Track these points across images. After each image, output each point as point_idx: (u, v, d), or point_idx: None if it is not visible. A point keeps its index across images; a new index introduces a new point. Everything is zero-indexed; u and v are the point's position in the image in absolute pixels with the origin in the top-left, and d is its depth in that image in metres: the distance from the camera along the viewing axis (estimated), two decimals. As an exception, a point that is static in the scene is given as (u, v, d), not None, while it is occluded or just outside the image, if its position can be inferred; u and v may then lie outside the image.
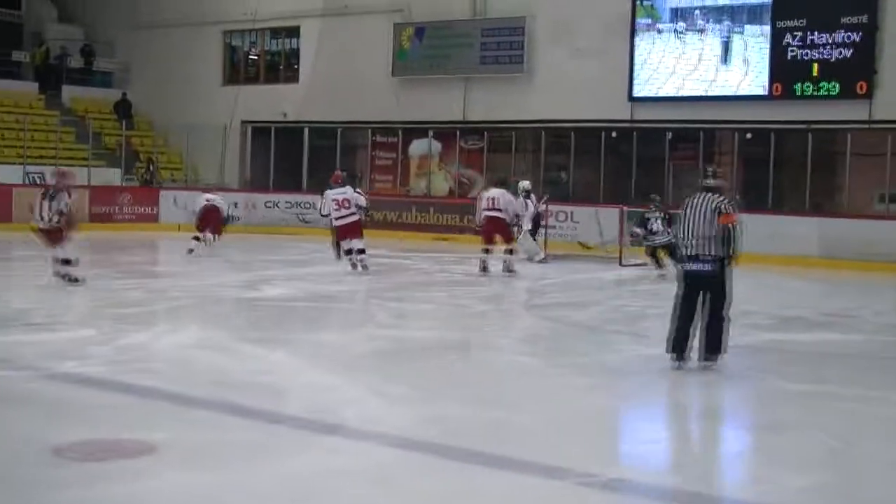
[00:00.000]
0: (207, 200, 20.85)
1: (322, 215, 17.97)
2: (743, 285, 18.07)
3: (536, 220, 20.74)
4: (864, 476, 6.67)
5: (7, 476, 5.80)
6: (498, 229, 17.91)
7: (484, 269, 17.67)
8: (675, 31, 24.56)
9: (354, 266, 17.10)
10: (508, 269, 17.72)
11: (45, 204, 14.34)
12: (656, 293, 16.48)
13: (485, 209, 18.01)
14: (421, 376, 9.10)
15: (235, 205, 23.63)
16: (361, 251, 17.14)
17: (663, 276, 17.98)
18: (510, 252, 17.91)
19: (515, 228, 18.69)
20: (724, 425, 8.13)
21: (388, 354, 10.19)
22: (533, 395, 8.55)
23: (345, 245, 17.36)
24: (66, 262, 14.34)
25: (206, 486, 5.76)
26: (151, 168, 29.31)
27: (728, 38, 23.88)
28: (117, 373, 8.64)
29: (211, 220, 20.48)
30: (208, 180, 29.31)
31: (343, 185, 17.59)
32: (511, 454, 6.57)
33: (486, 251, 17.93)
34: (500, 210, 17.78)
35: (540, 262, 19.94)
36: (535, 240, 20.48)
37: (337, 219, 17.21)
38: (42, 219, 14.34)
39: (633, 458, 7.02)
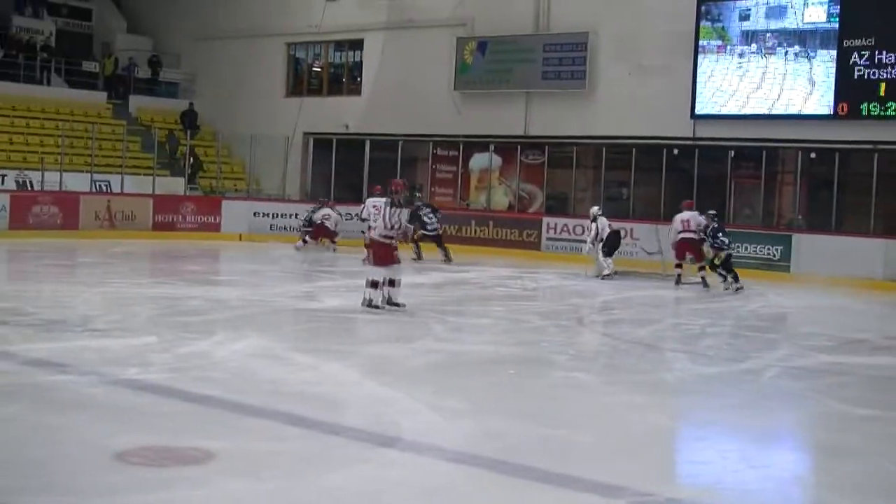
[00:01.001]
0: (325, 217, 24.38)
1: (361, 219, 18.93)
2: (805, 306, 18.07)
3: (615, 240, 21.00)
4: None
5: (68, 480, 5.89)
6: (690, 249, 19.68)
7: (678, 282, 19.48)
8: (743, 54, 24.36)
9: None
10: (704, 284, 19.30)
11: (390, 213, 14.02)
12: (716, 311, 16.37)
13: (679, 231, 19.77)
14: (478, 391, 9.10)
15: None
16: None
17: (740, 287, 18.30)
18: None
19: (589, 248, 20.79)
20: (782, 447, 8.04)
21: (445, 368, 10.20)
22: (589, 413, 8.52)
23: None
24: (392, 282, 14.07)
25: (261, 495, 5.80)
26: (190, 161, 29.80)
27: (796, 60, 23.64)
28: (177, 380, 8.73)
29: (325, 232, 24.10)
30: (270, 191, 29.54)
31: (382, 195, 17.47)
32: (567, 471, 6.55)
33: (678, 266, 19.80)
34: (693, 231, 19.55)
35: (605, 278, 19.95)
36: (609, 258, 20.53)
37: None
38: (388, 226, 14.00)
39: (689, 478, 6.97)
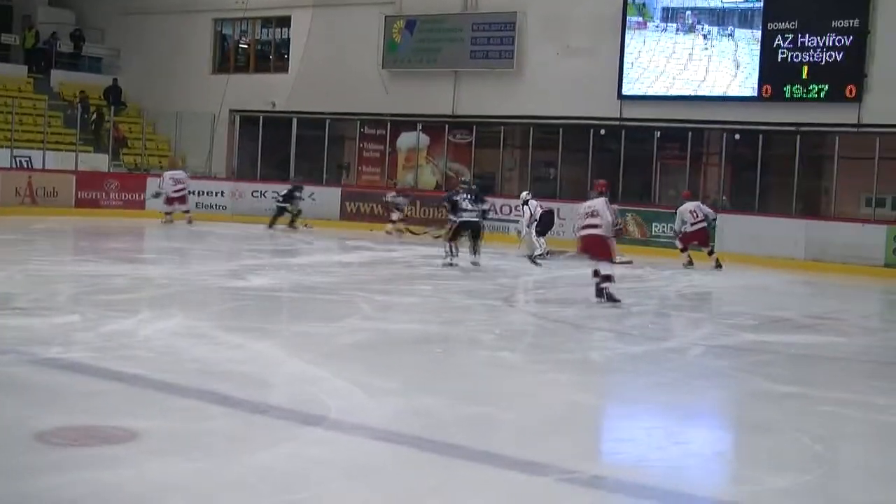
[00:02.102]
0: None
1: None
2: (728, 286, 18.31)
3: (548, 220, 21.15)
4: (844, 478, 6.69)
5: (-12, 460, 5.79)
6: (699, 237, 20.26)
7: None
8: (665, 30, 24.59)
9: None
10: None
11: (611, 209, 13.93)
12: (642, 291, 16.53)
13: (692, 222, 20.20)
14: (404, 369, 9.10)
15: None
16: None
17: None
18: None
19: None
20: (706, 425, 8.14)
21: (372, 347, 10.18)
22: (515, 391, 8.56)
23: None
24: (607, 278, 13.91)
25: (186, 474, 5.74)
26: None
27: (719, 39, 23.91)
28: (101, 359, 8.61)
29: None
30: (196, 168, 29.25)
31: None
32: (493, 449, 6.58)
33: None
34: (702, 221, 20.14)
35: (538, 258, 20.05)
36: (541, 238, 20.68)
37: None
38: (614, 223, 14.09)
39: (614, 456, 7.02)
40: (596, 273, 14.16)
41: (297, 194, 25.26)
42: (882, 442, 7.55)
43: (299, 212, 25.02)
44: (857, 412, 8.30)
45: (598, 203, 14.28)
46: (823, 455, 7.06)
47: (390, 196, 25.54)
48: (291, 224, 24.91)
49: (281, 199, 25.15)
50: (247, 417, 7.08)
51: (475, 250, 18.33)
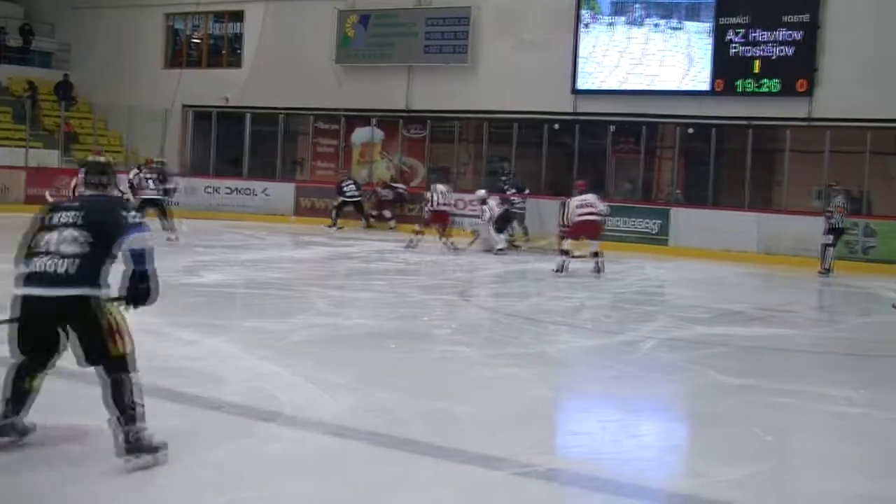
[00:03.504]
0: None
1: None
2: (682, 279, 18.41)
3: (506, 216, 21.42)
4: (795, 469, 6.76)
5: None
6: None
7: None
8: (613, 24, 24.67)
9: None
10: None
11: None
12: (595, 285, 16.59)
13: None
14: (359, 365, 9.06)
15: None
16: None
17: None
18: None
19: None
20: (660, 418, 8.17)
21: (326, 343, 10.14)
22: (470, 385, 8.55)
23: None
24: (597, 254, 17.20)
25: (139, 473, 5.67)
26: None
27: (672, 33, 24.04)
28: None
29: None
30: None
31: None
32: (449, 444, 6.56)
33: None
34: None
35: (498, 252, 20.16)
36: (500, 234, 20.87)
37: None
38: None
39: (570, 449, 7.04)
40: (595, 254, 17.44)
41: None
42: (833, 432, 7.61)
43: None
44: (809, 403, 8.37)
45: (591, 197, 17.88)
46: (776, 446, 7.11)
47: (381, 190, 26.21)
48: None
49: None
50: (200, 414, 7.02)
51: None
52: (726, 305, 14.87)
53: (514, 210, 22.13)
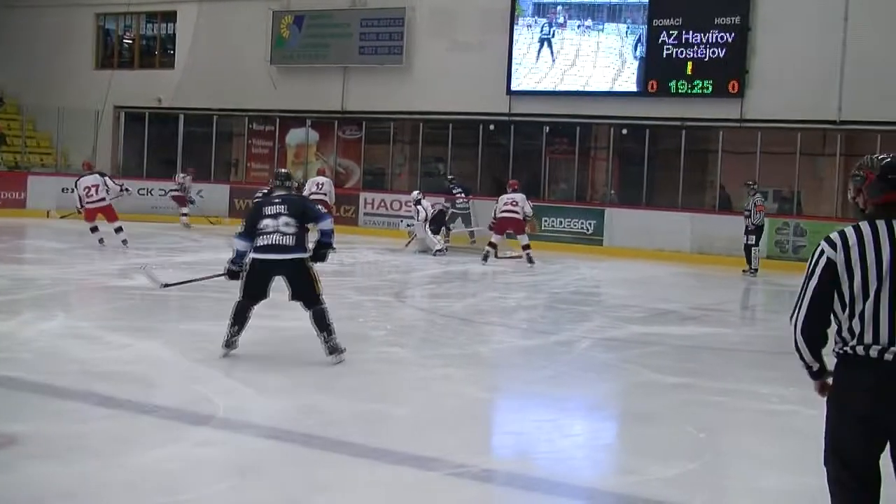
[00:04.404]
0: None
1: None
2: (617, 279, 18.55)
3: (440, 218, 21.75)
4: (727, 466, 6.82)
5: None
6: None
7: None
8: (531, 27, 24.78)
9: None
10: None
11: None
12: (531, 285, 16.65)
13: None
14: (294, 367, 9.02)
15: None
16: None
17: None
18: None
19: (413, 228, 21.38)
20: (594, 417, 8.21)
21: (261, 345, 10.06)
22: (405, 386, 8.55)
23: None
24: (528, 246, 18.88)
25: (67, 478, 5.60)
26: None
27: (604, 35, 24.19)
28: (-21, 362, 8.37)
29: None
30: (78, 166, 28.59)
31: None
32: (383, 445, 6.55)
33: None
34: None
35: (436, 254, 20.20)
36: (437, 235, 20.97)
37: None
38: None
39: (504, 449, 7.06)
40: (526, 247, 19.35)
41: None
42: (765, 430, 7.70)
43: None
44: (742, 401, 8.46)
45: (519, 196, 19.57)
46: (708, 444, 7.18)
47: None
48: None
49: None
50: (131, 418, 6.95)
51: None
52: (661, 305, 15.00)
53: (456, 210, 22.22)
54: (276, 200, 9.13)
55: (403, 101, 26.51)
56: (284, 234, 8.90)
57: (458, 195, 22.62)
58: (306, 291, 9.09)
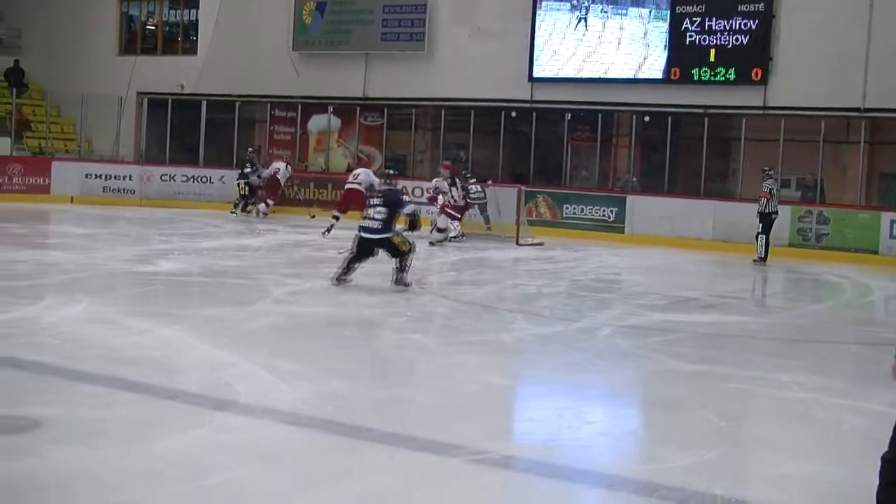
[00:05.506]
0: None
1: None
2: (638, 266, 18.51)
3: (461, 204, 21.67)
4: (747, 453, 6.82)
5: None
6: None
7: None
8: (571, 12, 24.70)
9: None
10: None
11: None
12: (552, 272, 16.65)
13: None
14: (315, 353, 9.06)
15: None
16: None
17: None
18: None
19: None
20: (615, 404, 8.22)
21: (282, 331, 10.12)
22: (427, 373, 8.57)
23: None
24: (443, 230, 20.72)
25: (90, 462, 5.65)
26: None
27: (627, 21, 24.10)
28: (4, 347, 8.43)
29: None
30: (103, 152, 28.74)
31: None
32: (404, 431, 6.58)
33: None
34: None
35: (452, 240, 20.25)
36: (456, 221, 21.03)
37: None
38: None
39: (525, 436, 7.07)
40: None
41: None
42: (785, 418, 7.70)
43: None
44: (762, 389, 8.46)
45: (442, 183, 21.46)
46: (729, 431, 7.18)
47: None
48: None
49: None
50: (155, 403, 7.00)
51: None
52: (682, 293, 14.97)
53: (472, 200, 22.17)
54: (378, 195, 13.73)
55: (425, 88, 26.47)
56: (376, 219, 13.26)
57: (473, 184, 22.61)
58: (393, 251, 13.26)
